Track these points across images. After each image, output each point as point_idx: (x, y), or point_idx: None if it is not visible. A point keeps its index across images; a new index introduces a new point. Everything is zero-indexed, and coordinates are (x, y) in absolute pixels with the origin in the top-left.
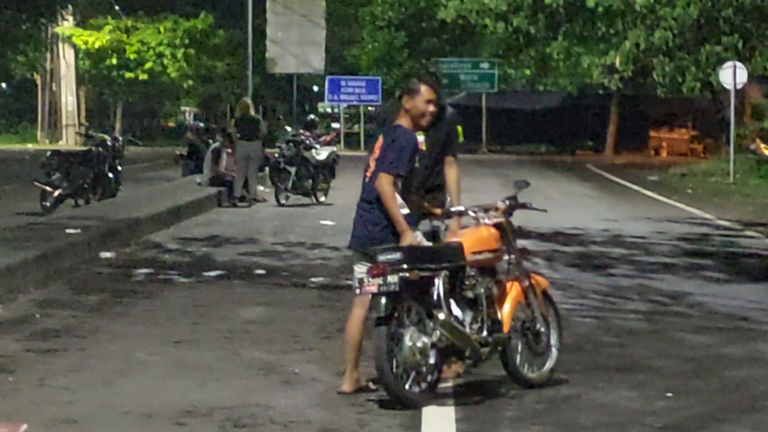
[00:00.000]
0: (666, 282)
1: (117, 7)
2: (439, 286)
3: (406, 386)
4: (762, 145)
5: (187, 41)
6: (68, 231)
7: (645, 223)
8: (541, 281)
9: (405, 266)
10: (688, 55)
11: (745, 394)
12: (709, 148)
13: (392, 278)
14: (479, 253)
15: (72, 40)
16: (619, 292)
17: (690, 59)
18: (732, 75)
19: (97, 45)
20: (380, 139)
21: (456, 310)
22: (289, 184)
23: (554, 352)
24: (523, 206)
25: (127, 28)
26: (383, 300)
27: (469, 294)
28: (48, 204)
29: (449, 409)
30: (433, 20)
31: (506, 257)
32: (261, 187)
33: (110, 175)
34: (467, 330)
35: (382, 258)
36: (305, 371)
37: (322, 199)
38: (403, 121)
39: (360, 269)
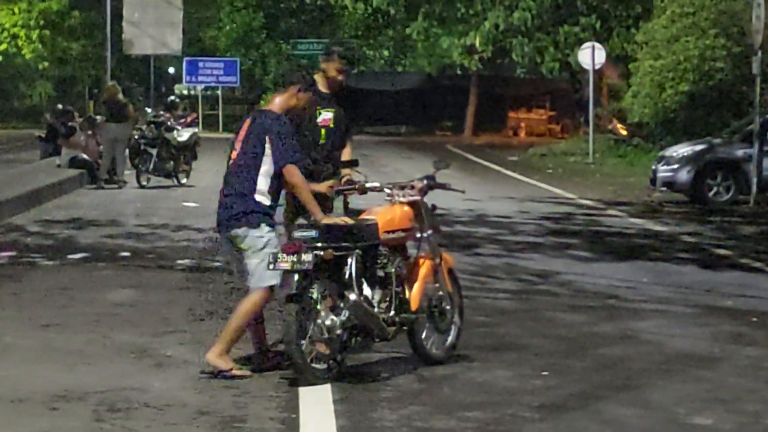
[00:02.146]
0: (533, 261)
1: None
2: (351, 265)
3: (313, 363)
4: (619, 126)
5: (42, 22)
6: None
7: (508, 203)
8: (448, 259)
9: (320, 244)
10: (547, 35)
11: (620, 371)
12: (567, 129)
13: (306, 256)
14: (392, 231)
15: None
16: (487, 271)
17: (549, 40)
18: (590, 55)
19: None
20: (247, 122)
21: (367, 290)
22: (151, 166)
23: (455, 329)
24: (442, 186)
25: None
26: (296, 277)
27: (380, 273)
28: None
29: (326, 390)
30: (291, 1)
31: (418, 235)
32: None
33: None
34: (376, 309)
35: (297, 235)
36: (177, 354)
37: (184, 180)
38: (279, 106)
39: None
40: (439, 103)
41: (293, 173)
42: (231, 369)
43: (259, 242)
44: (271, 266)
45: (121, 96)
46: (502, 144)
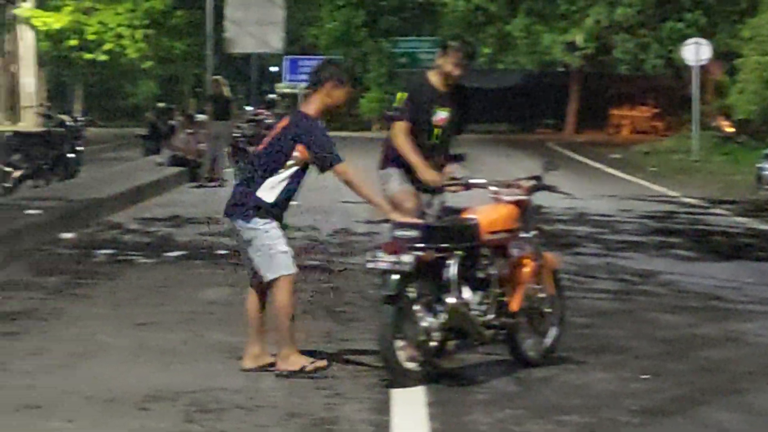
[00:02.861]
0: (635, 260)
1: None
2: (451, 267)
3: (407, 365)
4: (724, 123)
5: (146, 22)
6: (28, 212)
7: (610, 201)
8: (553, 261)
9: (421, 245)
10: (651, 31)
11: (723, 374)
12: (671, 126)
13: (406, 258)
14: (496, 232)
15: (31, 21)
16: (587, 271)
17: (652, 36)
18: (694, 52)
19: (56, 26)
20: (285, 121)
21: (466, 293)
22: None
23: (555, 331)
24: (549, 188)
25: (87, 9)
26: (394, 278)
27: (481, 274)
28: (8, 185)
29: (419, 392)
30: None
31: (522, 235)
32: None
33: (70, 155)
34: (475, 313)
35: (398, 234)
36: (270, 354)
37: None
38: (314, 107)
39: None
40: (540, 100)
41: (342, 172)
42: (305, 365)
43: (253, 234)
44: (370, 264)
45: (227, 91)
46: (604, 141)
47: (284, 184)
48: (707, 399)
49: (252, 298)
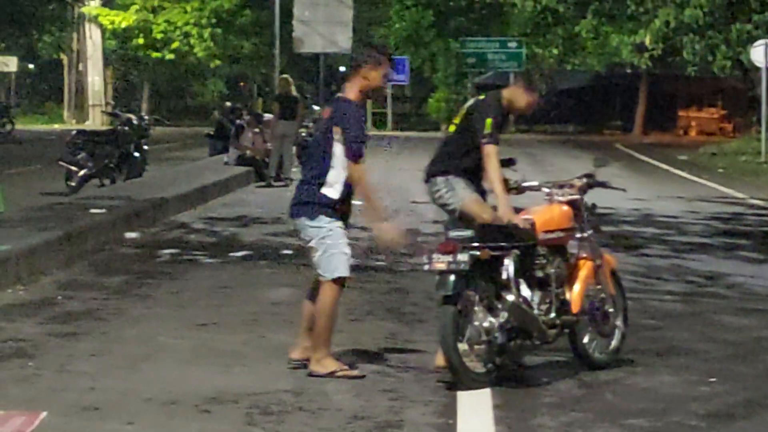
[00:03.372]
0: (701, 262)
1: None
2: (509, 266)
3: (472, 366)
4: None
5: (213, 21)
6: (93, 211)
7: (676, 203)
8: (610, 260)
9: (476, 244)
10: (719, 33)
11: None
12: (739, 128)
13: (462, 256)
14: (551, 231)
15: (98, 20)
16: (654, 272)
17: (720, 37)
18: (764, 53)
19: (123, 25)
20: (329, 110)
21: (525, 291)
22: None
23: (619, 332)
24: (602, 185)
25: (154, 8)
26: (452, 278)
27: (539, 273)
28: (73, 184)
29: (485, 395)
30: None
31: (578, 235)
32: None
33: (136, 154)
34: (535, 311)
35: (453, 235)
36: (335, 355)
37: None
38: (352, 93)
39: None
40: (608, 101)
41: (353, 170)
42: (336, 370)
43: (317, 233)
44: (426, 267)
45: (294, 90)
46: (672, 143)
47: (344, 175)
48: None
49: (311, 294)
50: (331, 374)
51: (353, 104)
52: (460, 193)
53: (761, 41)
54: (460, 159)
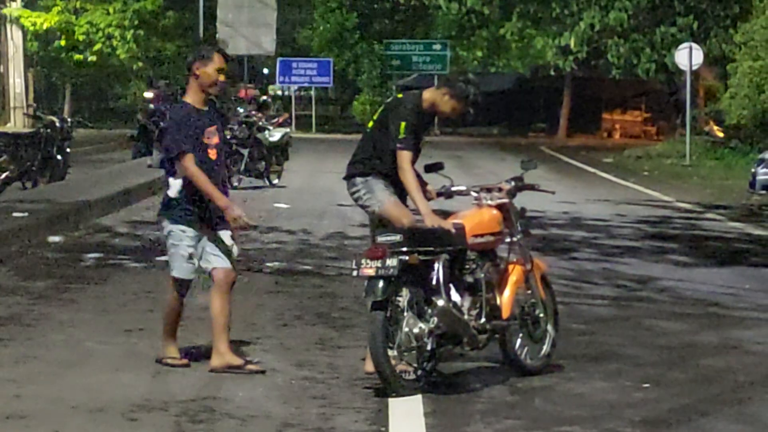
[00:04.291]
0: (631, 266)
1: None
2: (438, 270)
3: (402, 373)
4: (716, 128)
5: (136, 22)
6: (15, 214)
7: (604, 206)
8: (540, 265)
9: (404, 249)
10: (643, 36)
11: (726, 384)
12: (663, 131)
13: (391, 261)
14: (481, 236)
15: (20, 21)
16: (584, 276)
17: (645, 40)
18: (687, 56)
19: (45, 26)
20: None
21: (455, 296)
22: (242, 167)
23: (550, 338)
24: (531, 188)
25: (76, 10)
26: (381, 283)
27: (469, 278)
28: None
29: (417, 402)
30: (385, 1)
31: (507, 239)
32: None
33: (59, 157)
34: (466, 316)
35: (381, 239)
36: (263, 361)
37: (276, 181)
38: (191, 94)
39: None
40: (532, 104)
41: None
42: (243, 364)
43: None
44: (354, 273)
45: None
46: (596, 146)
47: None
48: (709, 409)
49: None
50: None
51: (175, 108)
52: (378, 196)
53: (685, 44)
54: (378, 159)
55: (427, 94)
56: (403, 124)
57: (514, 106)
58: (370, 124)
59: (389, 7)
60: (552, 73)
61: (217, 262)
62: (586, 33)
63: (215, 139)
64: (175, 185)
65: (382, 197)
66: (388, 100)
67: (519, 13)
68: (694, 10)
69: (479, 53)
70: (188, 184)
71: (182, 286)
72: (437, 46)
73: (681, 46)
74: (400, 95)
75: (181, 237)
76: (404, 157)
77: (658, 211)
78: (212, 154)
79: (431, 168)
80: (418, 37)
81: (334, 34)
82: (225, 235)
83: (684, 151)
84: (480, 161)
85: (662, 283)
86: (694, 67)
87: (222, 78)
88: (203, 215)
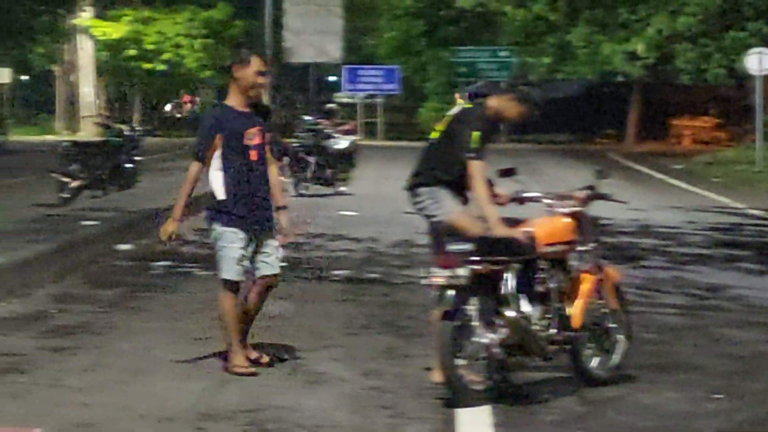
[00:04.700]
0: (702, 274)
1: None
2: (509, 280)
3: (470, 383)
4: None
5: (204, 31)
6: (85, 223)
7: (674, 213)
8: (613, 274)
9: (475, 258)
10: (713, 41)
11: None
12: (733, 136)
13: (462, 271)
14: (553, 244)
15: (90, 31)
16: (654, 285)
17: (714, 45)
18: (757, 61)
19: (115, 36)
20: None
21: (525, 306)
22: (309, 174)
23: (621, 348)
24: (603, 197)
25: (145, 19)
26: (451, 293)
27: (540, 288)
28: (65, 195)
29: (484, 412)
30: (451, 8)
31: (580, 248)
32: (282, 178)
33: (128, 165)
34: (535, 327)
35: (452, 248)
36: (331, 370)
37: (342, 189)
38: (232, 97)
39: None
40: (600, 110)
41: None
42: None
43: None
44: (424, 281)
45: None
46: (665, 152)
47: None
48: None
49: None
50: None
51: (207, 111)
52: (446, 205)
53: (755, 49)
54: (444, 170)
55: (492, 102)
56: (475, 134)
57: (582, 113)
58: (434, 134)
59: (455, 14)
60: (620, 79)
61: (266, 269)
62: (654, 38)
63: (257, 140)
64: (218, 187)
65: (449, 206)
66: (454, 110)
67: (586, 19)
68: (764, 15)
69: (546, 60)
70: (231, 187)
71: (233, 288)
72: (504, 53)
73: (751, 51)
74: (468, 105)
75: (232, 239)
76: (477, 167)
77: (728, 218)
78: (253, 155)
79: (505, 173)
80: (484, 43)
81: (401, 42)
82: (273, 241)
83: (755, 158)
84: (547, 168)
85: (733, 291)
86: (764, 72)
87: (261, 80)
88: (251, 219)
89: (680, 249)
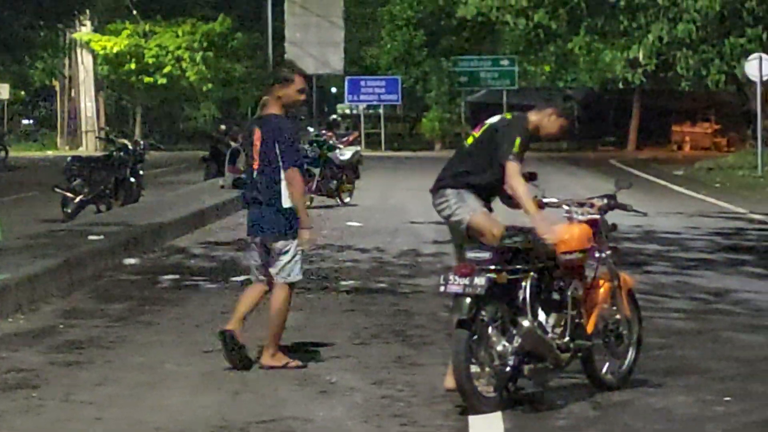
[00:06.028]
0: (706, 278)
1: (135, 12)
2: (526, 289)
3: (483, 391)
4: None
5: (205, 44)
6: (91, 237)
7: (677, 219)
8: (628, 281)
9: (493, 267)
10: (712, 47)
11: None
12: (733, 142)
13: (479, 280)
14: (570, 252)
15: (90, 45)
16: (659, 290)
17: (714, 52)
18: (758, 67)
19: (115, 50)
20: (257, 132)
21: (541, 315)
22: (314, 186)
23: (632, 353)
24: (623, 207)
25: (145, 33)
26: (467, 301)
27: (556, 296)
28: (69, 210)
29: (497, 418)
30: (452, 18)
31: (596, 255)
32: None
33: (132, 179)
34: (550, 335)
35: (470, 256)
36: (342, 380)
37: (347, 200)
38: (275, 110)
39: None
40: (601, 118)
41: (297, 176)
42: (287, 363)
43: None
44: (442, 288)
45: None
46: (666, 158)
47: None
48: None
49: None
50: (284, 366)
51: (283, 120)
52: (471, 205)
53: (755, 55)
54: (475, 175)
55: (533, 117)
56: (518, 139)
57: (583, 120)
58: (470, 140)
59: (456, 24)
60: (621, 86)
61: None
62: (654, 45)
63: None
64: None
65: (474, 206)
66: (494, 119)
67: (586, 27)
68: (763, 21)
69: (547, 68)
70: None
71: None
72: (505, 62)
73: (751, 57)
74: (508, 116)
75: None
76: (515, 168)
77: (731, 222)
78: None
79: (525, 178)
80: (485, 52)
81: (402, 52)
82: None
83: (755, 163)
84: (550, 176)
85: (739, 295)
86: (764, 78)
87: (303, 97)
88: None
89: (684, 254)
